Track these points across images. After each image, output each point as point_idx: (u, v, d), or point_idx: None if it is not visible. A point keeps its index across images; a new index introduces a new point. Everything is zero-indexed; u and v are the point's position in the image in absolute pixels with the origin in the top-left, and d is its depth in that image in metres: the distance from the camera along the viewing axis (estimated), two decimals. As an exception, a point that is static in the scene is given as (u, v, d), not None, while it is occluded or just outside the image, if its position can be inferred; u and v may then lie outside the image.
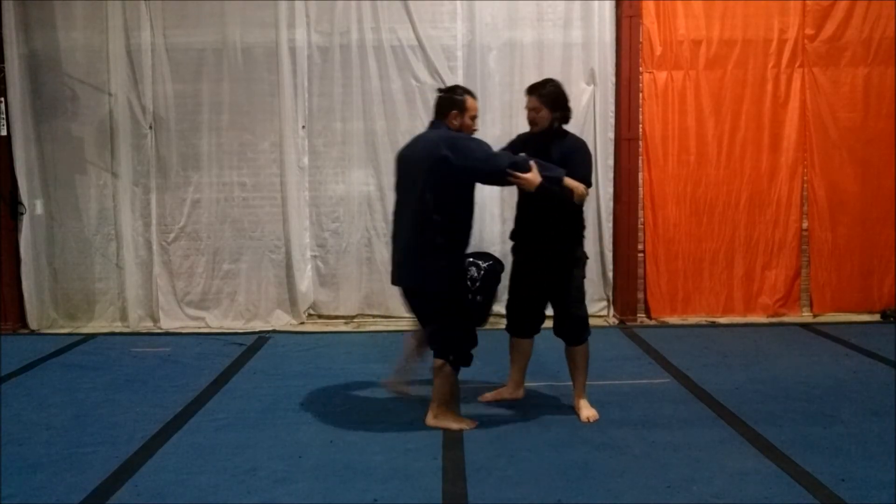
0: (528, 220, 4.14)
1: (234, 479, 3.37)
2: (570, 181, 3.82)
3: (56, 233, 6.41)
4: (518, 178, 3.75)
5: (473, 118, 3.99)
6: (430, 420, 3.98)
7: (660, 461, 3.52)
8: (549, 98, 3.99)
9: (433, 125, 4.00)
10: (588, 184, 3.98)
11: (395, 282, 4.01)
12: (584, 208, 4.14)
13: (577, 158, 3.98)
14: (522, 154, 3.99)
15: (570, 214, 4.03)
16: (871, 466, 3.44)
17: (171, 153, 6.35)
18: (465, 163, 3.74)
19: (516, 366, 4.35)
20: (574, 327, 4.10)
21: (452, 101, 3.93)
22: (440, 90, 4.06)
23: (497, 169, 3.77)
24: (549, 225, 4.02)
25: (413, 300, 4.00)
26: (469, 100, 3.96)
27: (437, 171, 3.74)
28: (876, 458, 3.54)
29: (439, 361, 3.92)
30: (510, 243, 4.32)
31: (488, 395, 4.38)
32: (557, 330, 4.16)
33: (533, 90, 4.05)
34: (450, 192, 3.81)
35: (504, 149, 4.23)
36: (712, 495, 3.18)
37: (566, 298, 4.08)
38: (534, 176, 3.74)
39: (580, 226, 4.13)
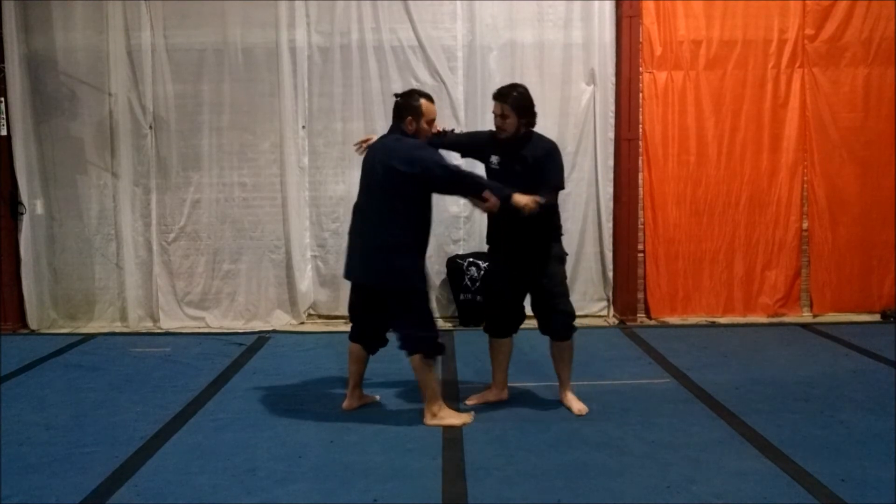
0: (502, 222, 4.12)
1: (234, 479, 3.37)
2: (517, 198, 3.82)
3: (56, 233, 6.41)
4: (478, 206, 3.96)
5: (430, 122, 4.00)
6: (429, 420, 3.99)
7: (660, 461, 3.52)
8: (518, 105, 3.98)
9: (391, 129, 4.06)
10: (561, 188, 4.08)
11: (348, 276, 4.13)
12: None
13: (549, 165, 4.02)
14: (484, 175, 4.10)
15: (546, 213, 4.03)
16: (871, 466, 3.44)
17: (172, 153, 6.35)
18: (415, 174, 3.83)
19: (498, 367, 4.34)
20: (561, 322, 4.12)
21: (408, 107, 3.97)
22: (397, 95, 4.09)
23: (448, 185, 3.98)
24: (525, 225, 3.99)
25: (382, 298, 4.03)
26: (425, 104, 3.97)
27: (390, 178, 3.87)
28: (876, 458, 3.54)
29: (416, 359, 3.96)
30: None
31: (472, 399, 4.36)
32: (544, 327, 4.17)
33: (502, 97, 4.01)
34: (405, 197, 3.89)
35: (471, 137, 4.35)
36: (712, 495, 3.17)
37: (551, 294, 4.10)
38: (493, 203, 3.83)
39: (557, 223, 4.17)
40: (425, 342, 3.96)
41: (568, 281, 6.33)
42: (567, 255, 4.29)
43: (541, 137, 4.12)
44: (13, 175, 6.21)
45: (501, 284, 4.21)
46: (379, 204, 3.94)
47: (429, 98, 4.03)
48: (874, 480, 3.30)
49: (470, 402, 4.33)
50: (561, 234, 4.20)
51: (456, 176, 3.91)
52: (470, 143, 4.29)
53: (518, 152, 4.04)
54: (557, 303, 4.11)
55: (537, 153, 4.02)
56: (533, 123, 4.09)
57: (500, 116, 4.02)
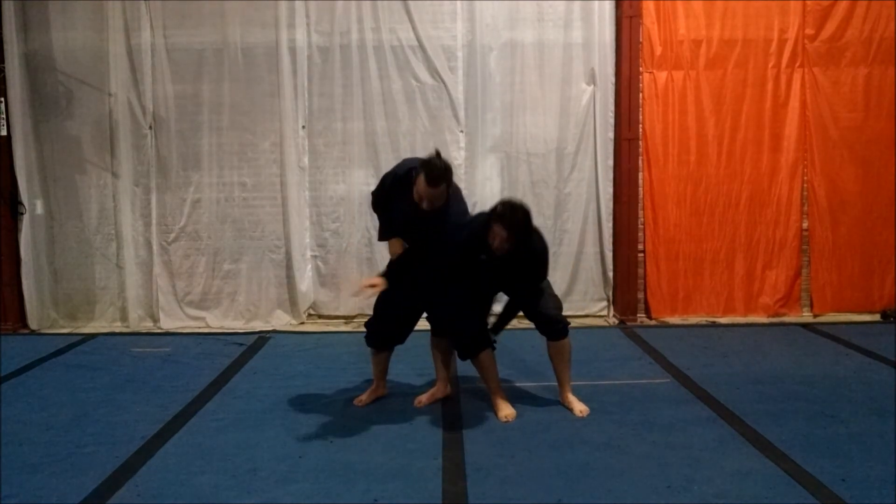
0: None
1: (235, 479, 3.37)
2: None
3: (56, 233, 6.41)
4: None
5: (419, 196, 3.75)
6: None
7: (660, 461, 3.52)
8: (520, 236, 3.79)
9: None
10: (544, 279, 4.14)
11: None
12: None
13: (538, 268, 4.03)
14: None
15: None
16: (871, 466, 3.44)
17: (172, 153, 6.35)
18: None
19: (441, 363, 4.38)
20: (555, 321, 4.11)
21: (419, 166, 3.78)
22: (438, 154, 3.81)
23: None
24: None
25: None
26: (420, 176, 3.70)
27: None
28: (876, 458, 3.54)
29: None
30: None
31: (423, 398, 4.35)
32: (539, 329, 4.17)
33: (501, 222, 3.74)
34: None
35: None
36: (712, 495, 3.17)
37: (538, 301, 4.09)
38: None
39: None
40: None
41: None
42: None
43: (536, 239, 3.97)
44: (13, 175, 6.21)
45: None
46: None
47: (432, 177, 3.67)
48: (874, 480, 3.30)
49: (419, 403, 4.32)
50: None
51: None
52: None
53: (510, 256, 3.90)
54: (546, 303, 4.11)
55: (529, 256, 3.94)
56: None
57: (505, 241, 3.77)
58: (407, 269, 4.07)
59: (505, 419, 4.06)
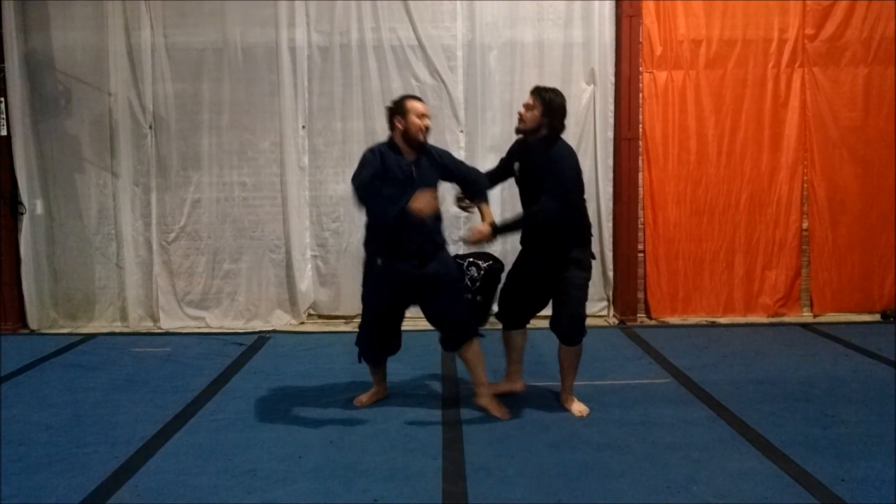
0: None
1: (234, 479, 3.37)
2: (411, 205, 3.82)
3: (56, 233, 6.41)
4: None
5: (421, 116, 4.01)
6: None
7: (660, 461, 3.52)
8: (547, 103, 3.99)
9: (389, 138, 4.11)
10: (565, 193, 3.96)
11: None
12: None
13: (555, 169, 3.93)
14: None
15: (575, 218, 4.06)
16: (871, 466, 3.44)
17: (172, 153, 6.35)
18: None
19: (512, 358, 4.38)
20: (572, 327, 4.10)
21: (394, 110, 4.05)
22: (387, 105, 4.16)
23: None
24: (540, 229, 4.03)
25: None
26: (408, 102, 4.03)
27: None
28: (876, 458, 3.54)
29: None
30: (510, 243, 4.32)
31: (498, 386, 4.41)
32: (554, 327, 4.16)
33: (537, 91, 4.05)
34: None
35: (504, 159, 4.37)
36: (712, 495, 3.18)
37: (567, 297, 4.08)
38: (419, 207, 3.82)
39: (579, 229, 4.12)
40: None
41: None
42: (595, 258, 4.26)
43: (560, 144, 4.05)
44: (13, 175, 6.21)
45: (520, 280, 4.21)
46: None
47: (413, 96, 4.15)
48: (874, 480, 3.30)
49: (496, 389, 4.35)
50: (585, 239, 4.15)
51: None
52: (502, 163, 4.35)
53: (535, 157, 4.03)
54: (569, 306, 4.08)
55: (551, 158, 3.97)
56: (557, 130, 4.03)
57: (526, 106, 4.05)
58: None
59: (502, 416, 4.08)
